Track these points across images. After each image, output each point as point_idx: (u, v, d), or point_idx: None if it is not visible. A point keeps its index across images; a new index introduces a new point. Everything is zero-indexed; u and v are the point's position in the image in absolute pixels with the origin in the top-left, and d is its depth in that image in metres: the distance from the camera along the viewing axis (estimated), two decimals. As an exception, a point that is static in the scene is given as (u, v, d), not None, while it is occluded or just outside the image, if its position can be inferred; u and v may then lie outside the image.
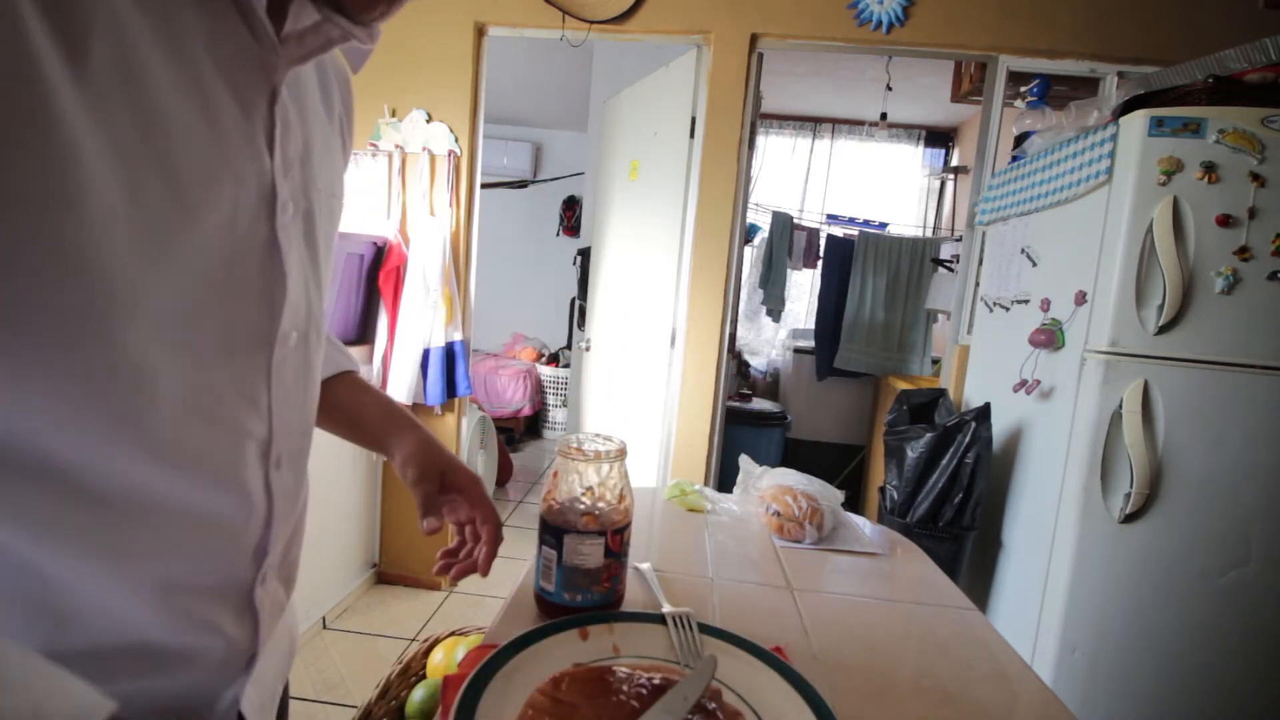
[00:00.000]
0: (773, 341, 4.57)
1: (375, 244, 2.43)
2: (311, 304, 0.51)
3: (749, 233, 3.96)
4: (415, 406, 2.50)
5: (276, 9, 0.43)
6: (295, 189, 0.47)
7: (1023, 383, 1.80)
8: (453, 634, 1.22)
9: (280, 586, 0.54)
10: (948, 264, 3.36)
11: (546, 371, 5.03)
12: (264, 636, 0.51)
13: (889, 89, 3.68)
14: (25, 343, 0.34)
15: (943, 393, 2.26)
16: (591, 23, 2.33)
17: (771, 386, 4.22)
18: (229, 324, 0.43)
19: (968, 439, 1.85)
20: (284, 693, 0.65)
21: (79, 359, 0.35)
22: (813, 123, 4.59)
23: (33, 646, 0.37)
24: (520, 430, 4.78)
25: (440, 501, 0.69)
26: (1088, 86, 2.28)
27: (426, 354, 2.45)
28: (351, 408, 0.72)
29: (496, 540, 0.69)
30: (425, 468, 0.68)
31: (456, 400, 2.55)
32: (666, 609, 0.71)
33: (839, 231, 4.22)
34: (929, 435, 1.91)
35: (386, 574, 2.66)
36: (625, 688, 0.56)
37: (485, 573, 0.68)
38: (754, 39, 2.31)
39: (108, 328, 0.35)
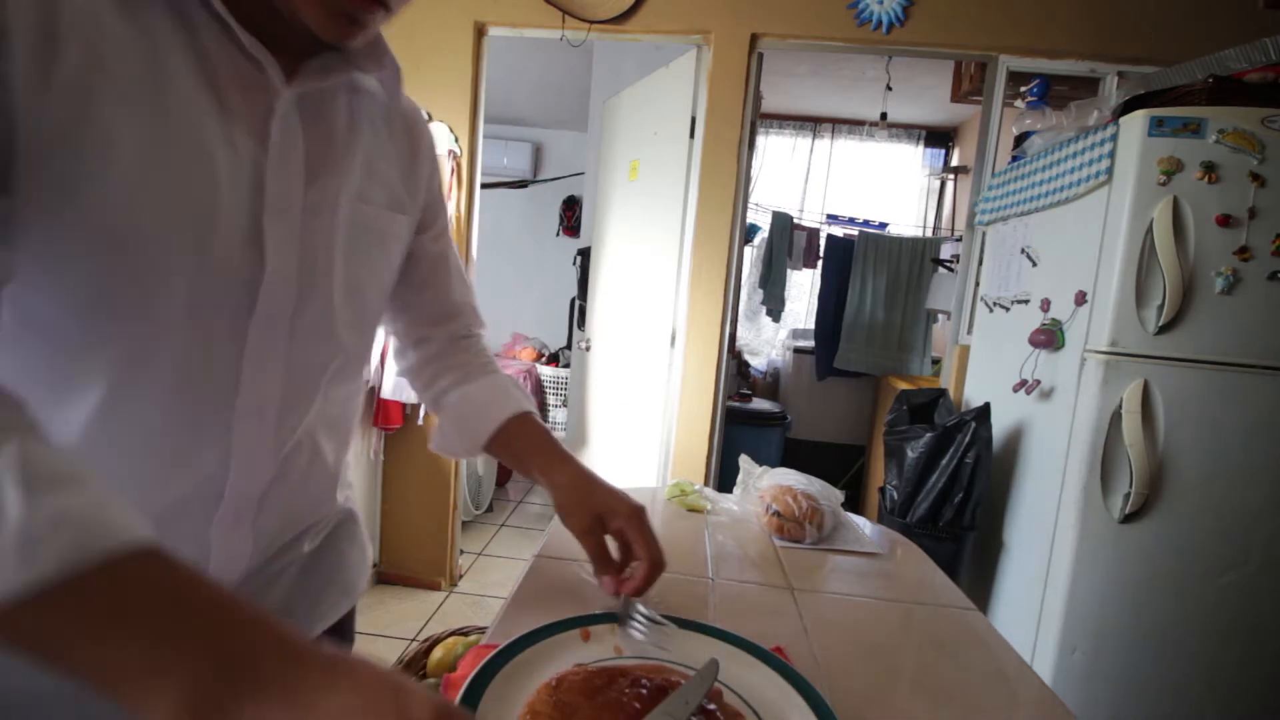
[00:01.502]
0: (773, 341, 4.57)
1: (375, 244, 2.42)
2: (309, 294, 0.56)
3: (749, 233, 3.96)
4: (415, 407, 2.50)
5: (297, 50, 0.53)
6: (291, 189, 0.53)
7: (1023, 383, 1.80)
8: (453, 634, 1.22)
9: (250, 536, 0.58)
10: (948, 264, 3.36)
11: (546, 371, 5.02)
12: (217, 572, 0.55)
13: (889, 89, 3.68)
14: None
15: (943, 393, 2.26)
16: (591, 23, 2.33)
17: (771, 386, 4.22)
18: (195, 294, 0.49)
19: (968, 439, 1.85)
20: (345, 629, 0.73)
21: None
22: (813, 123, 4.59)
23: None
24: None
25: (610, 557, 0.71)
26: (1088, 86, 2.28)
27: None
28: (516, 445, 0.78)
29: (650, 578, 0.69)
30: (582, 516, 0.71)
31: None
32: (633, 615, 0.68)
33: (839, 231, 4.22)
34: (929, 435, 1.91)
35: (386, 574, 2.66)
36: (626, 689, 0.56)
37: (626, 593, 0.70)
38: (754, 39, 2.31)
39: (130, 282, 0.46)
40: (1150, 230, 1.48)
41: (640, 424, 2.68)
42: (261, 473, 0.57)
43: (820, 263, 3.97)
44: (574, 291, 4.38)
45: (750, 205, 3.71)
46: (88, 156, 0.42)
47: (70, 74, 0.41)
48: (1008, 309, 2.01)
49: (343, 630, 0.75)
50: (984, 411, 1.87)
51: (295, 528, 0.65)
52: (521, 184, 5.42)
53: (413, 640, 2.26)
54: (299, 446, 0.60)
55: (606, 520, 0.70)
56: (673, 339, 2.51)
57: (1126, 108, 1.61)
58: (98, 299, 0.45)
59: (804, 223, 4.31)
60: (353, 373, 0.66)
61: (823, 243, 4.06)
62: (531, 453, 0.77)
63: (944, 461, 1.89)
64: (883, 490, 2.09)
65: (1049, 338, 1.70)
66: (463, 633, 1.23)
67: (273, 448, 0.57)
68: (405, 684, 0.34)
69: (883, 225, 4.36)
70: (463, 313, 0.83)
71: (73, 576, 0.30)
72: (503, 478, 3.69)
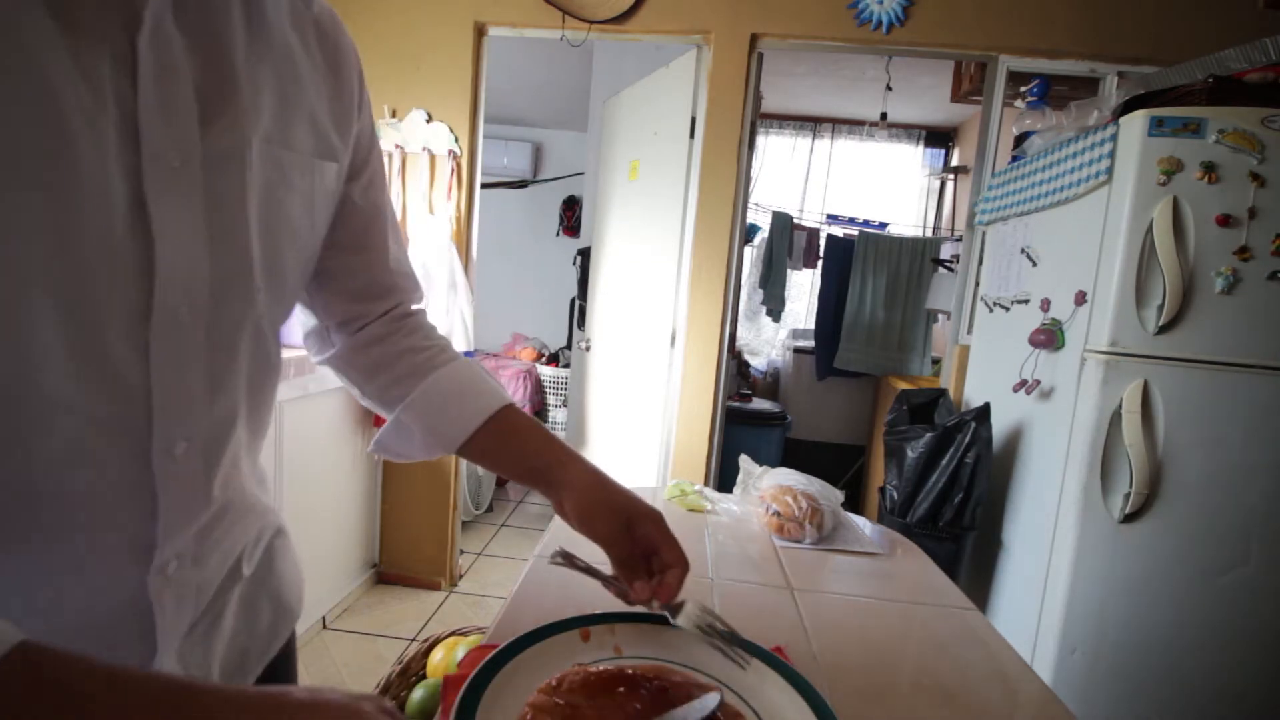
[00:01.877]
0: (773, 341, 4.57)
1: (375, 244, 2.42)
2: (219, 272, 0.43)
3: (749, 233, 3.96)
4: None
5: None
6: (183, 135, 0.39)
7: (1023, 383, 1.80)
8: (453, 634, 1.22)
9: (194, 569, 0.49)
10: (948, 264, 3.36)
11: (546, 371, 5.02)
12: (166, 628, 0.46)
13: (889, 89, 3.68)
14: None
15: (943, 393, 2.26)
16: (591, 23, 2.33)
17: (771, 386, 4.22)
18: (76, 295, 0.36)
19: (968, 439, 1.85)
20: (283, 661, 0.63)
21: None
22: (813, 123, 4.59)
23: None
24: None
25: (639, 563, 0.63)
26: (1088, 86, 2.28)
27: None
28: (507, 444, 0.66)
29: (682, 581, 0.63)
30: (607, 520, 0.63)
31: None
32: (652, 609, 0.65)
33: (839, 231, 4.22)
34: (929, 435, 1.91)
35: (386, 574, 2.66)
36: (627, 689, 0.55)
37: (663, 600, 0.63)
38: (754, 39, 2.31)
39: None
40: (1150, 230, 1.48)
41: (640, 424, 2.68)
42: (195, 508, 0.47)
43: (820, 263, 3.97)
44: (574, 291, 4.38)
45: (750, 205, 3.71)
46: None
47: None
48: (1008, 309, 2.01)
49: (288, 658, 0.65)
50: (984, 411, 1.87)
51: (234, 553, 0.55)
52: (521, 184, 5.42)
53: (412, 640, 2.26)
54: (234, 464, 0.51)
55: (634, 524, 0.63)
56: (673, 339, 2.51)
57: (1126, 108, 1.61)
58: None
59: (804, 223, 4.31)
60: (275, 368, 0.54)
61: (823, 243, 4.06)
62: (530, 451, 0.66)
63: (944, 461, 1.89)
64: (883, 490, 2.09)
65: (1049, 338, 1.70)
66: (463, 633, 1.23)
67: (203, 477, 0.47)
68: (356, 707, 0.34)
69: (883, 225, 4.36)
70: (400, 285, 0.67)
71: None
72: (502, 478, 3.69)
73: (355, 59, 0.56)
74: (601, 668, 0.59)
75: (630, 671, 0.58)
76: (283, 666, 0.64)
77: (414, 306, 0.70)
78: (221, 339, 0.45)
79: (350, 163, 0.57)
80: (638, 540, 0.63)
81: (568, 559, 0.68)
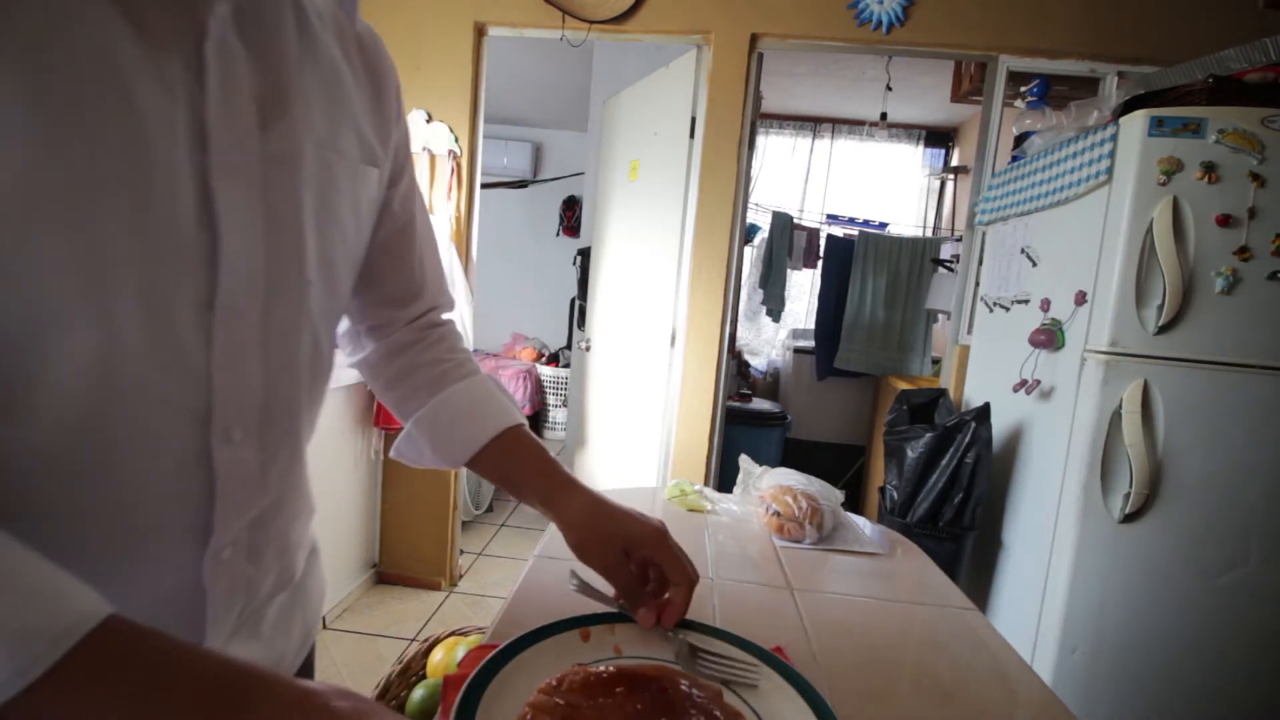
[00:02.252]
0: (773, 341, 4.57)
1: (375, 244, 2.43)
2: (277, 268, 0.45)
3: (749, 233, 3.96)
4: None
5: None
6: (246, 136, 0.42)
7: (1023, 383, 1.80)
8: (453, 634, 1.22)
9: (247, 562, 0.51)
10: (948, 264, 3.36)
11: (546, 371, 5.02)
12: (217, 615, 0.48)
13: (889, 89, 3.68)
14: None
15: (943, 393, 2.26)
16: (591, 23, 2.33)
17: (771, 386, 4.22)
18: (151, 284, 0.38)
19: (968, 439, 1.85)
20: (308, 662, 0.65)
21: None
22: (813, 123, 4.59)
23: None
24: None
25: (641, 589, 0.65)
26: (1088, 86, 2.28)
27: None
28: (509, 466, 0.68)
29: (689, 599, 0.64)
30: (606, 551, 0.64)
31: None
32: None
33: (839, 231, 4.22)
34: (929, 435, 1.92)
35: (386, 574, 2.66)
36: (627, 689, 0.56)
37: (668, 624, 0.64)
38: (754, 39, 2.31)
39: None
40: (1150, 230, 1.48)
41: (640, 424, 2.68)
42: (250, 496, 0.49)
43: (820, 263, 3.97)
44: (574, 291, 4.38)
45: (750, 205, 3.71)
46: None
47: None
48: (1008, 309, 2.01)
49: (308, 668, 0.67)
50: (984, 411, 1.87)
51: (287, 551, 0.58)
52: (521, 184, 5.42)
53: (413, 640, 2.26)
54: (291, 456, 0.53)
55: (632, 551, 0.64)
56: (673, 339, 2.51)
57: (1126, 108, 1.61)
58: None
59: (804, 223, 4.31)
60: (329, 365, 0.57)
61: (823, 243, 4.06)
62: (528, 477, 0.68)
63: (944, 461, 1.89)
64: (883, 490, 2.09)
65: (1049, 338, 1.70)
66: (463, 633, 1.23)
67: (258, 465, 0.48)
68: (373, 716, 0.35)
69: (883, 225, 4.36)
70: (429, 291, 0.70)
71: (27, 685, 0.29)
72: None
73: (394, 74, 0.59)
74: (602, 668, 0.59)
75: (631, 672, 0.58)
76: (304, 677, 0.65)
77: (444, 316, 0.73)
78: (277, 330, 0.47)
79: (390, 171, 0.59)
80: (639, 565, 0.65)
81: (584, 587, 0.68)
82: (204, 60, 0.39)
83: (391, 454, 0.72)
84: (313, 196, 0.48)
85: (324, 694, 0.35)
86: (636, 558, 0.65)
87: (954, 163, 4.45)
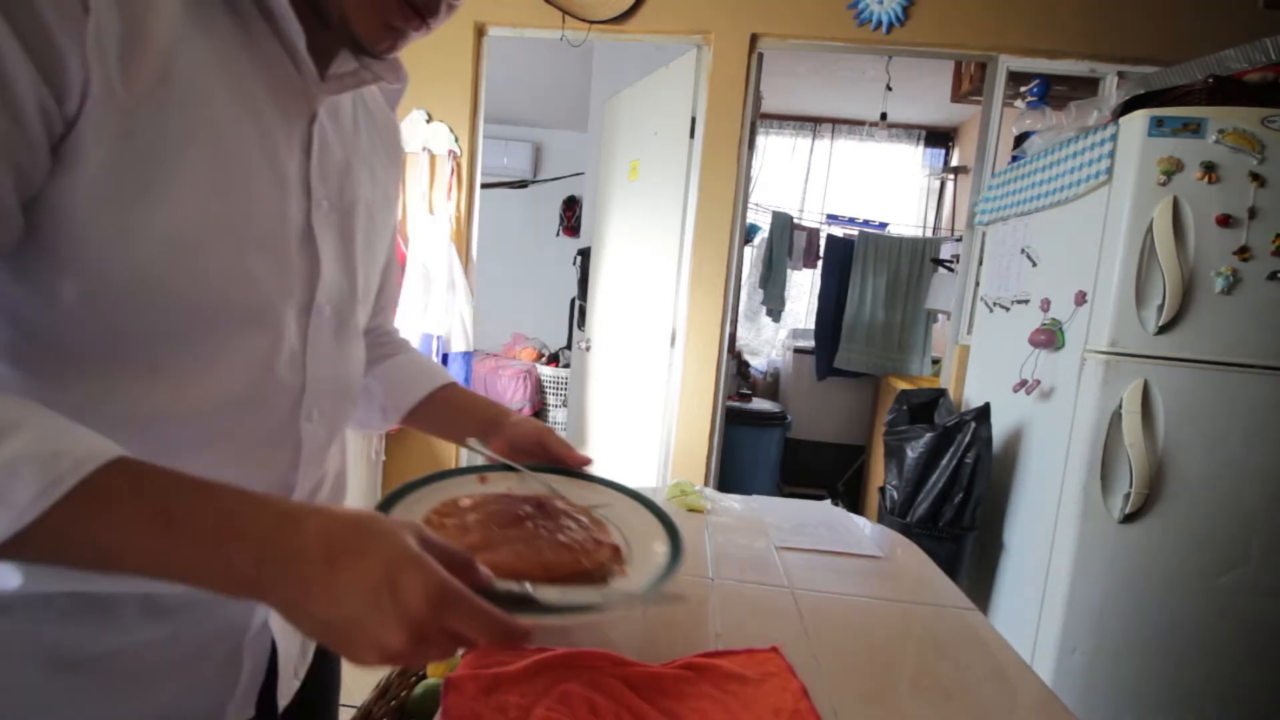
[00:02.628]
0: (773, 341, 4.57)
1: (375, 244, 2.43)
2: (344, 286, 0.59)
3: (749, 233, 3.96)
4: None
5: (323, 54, 0.53)
6: (331, 191, 0.56)
7: (1023, 383, 1.80)
8: (453, 634, 1.22)
9: None
10: (948, 264, 3.36)
11: (546, 371, 5.02)
12: None
13: (889, 89, 3.68)
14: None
15: (943, 393, 2.26)
16: (591, 23, 2.33)
17: (771, 386, 4.22)
18: (272, 291, 0.51)
19: (968, 439, 1.85)
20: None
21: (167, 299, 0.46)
22: (813, 123, 4.59)
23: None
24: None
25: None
26: (1088, 86, 2.28)
27: (446, 359, 2.48)
28: (455, 405, 0.82)
29: (579, 457, 0.79)
30: (533, 451, 0.77)
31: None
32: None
33: (839, 231, 4.22)
34: (929, 435, 1.91)
35: (386, 574, 2.66)
36: (511, 501, 0.64)
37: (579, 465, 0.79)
38: (754, 39, 2.31)
39: (192, 278, 0.46)
40: (1150, 230, 1.48)
41: (640, 424, 2.68)
42: (315, 467, 0.59)
43: (820, 263, 3.97)
44: (574, 291, 4.38)
45: (750, 205, 3.71)
46: (164, 163, 0.42)
47: (157, 74, 0.41)
48: (1008, 309, 2.01)
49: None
50: (984, 411, 1.87)
51: None
52: (521, 184, 5.42)
53: (413, 640, 2.25)
54: (340, 438, 0.65)
55: (546, 446, 0.79)
56: (673, 339, 2.51)
57: (1126, 108, 1.61)
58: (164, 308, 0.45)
59: (804, 223, 4.31)
60: (363, 370, 0.69)
61: (823, 243, 4.06)
62: (480, 408, 0.81)
63: (944, 461, 1.89)
64: (883, 490, 2.09)
65: (1049, 338, 1.70)
66: (463, 633, 1.22)
67: (324, 442, 0.59)
68: (401, 568, 0.39)
69: (883, 225, 4.36)
70: (386, 309, 0.84)
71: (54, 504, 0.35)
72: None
73: (403, 153, 0.77)
74: (493, 492, 0.68)
75: (518, 495, 0.67)
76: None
77: (394, 327, 0.88)
78: (344, 336, 0.61)
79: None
80: (552, 456, 0.79)
81: (483, 454, 0.78)
82: (311, 137, 0.54)
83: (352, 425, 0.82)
84: (363, 238, 0.62)
85: (302, 513, 0.40)
86: (552, 452, 0.79)
87: (954, 163, 4.45)
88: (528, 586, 0.47)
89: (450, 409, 0.81)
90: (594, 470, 0.80)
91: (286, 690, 0.59)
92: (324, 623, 0.38)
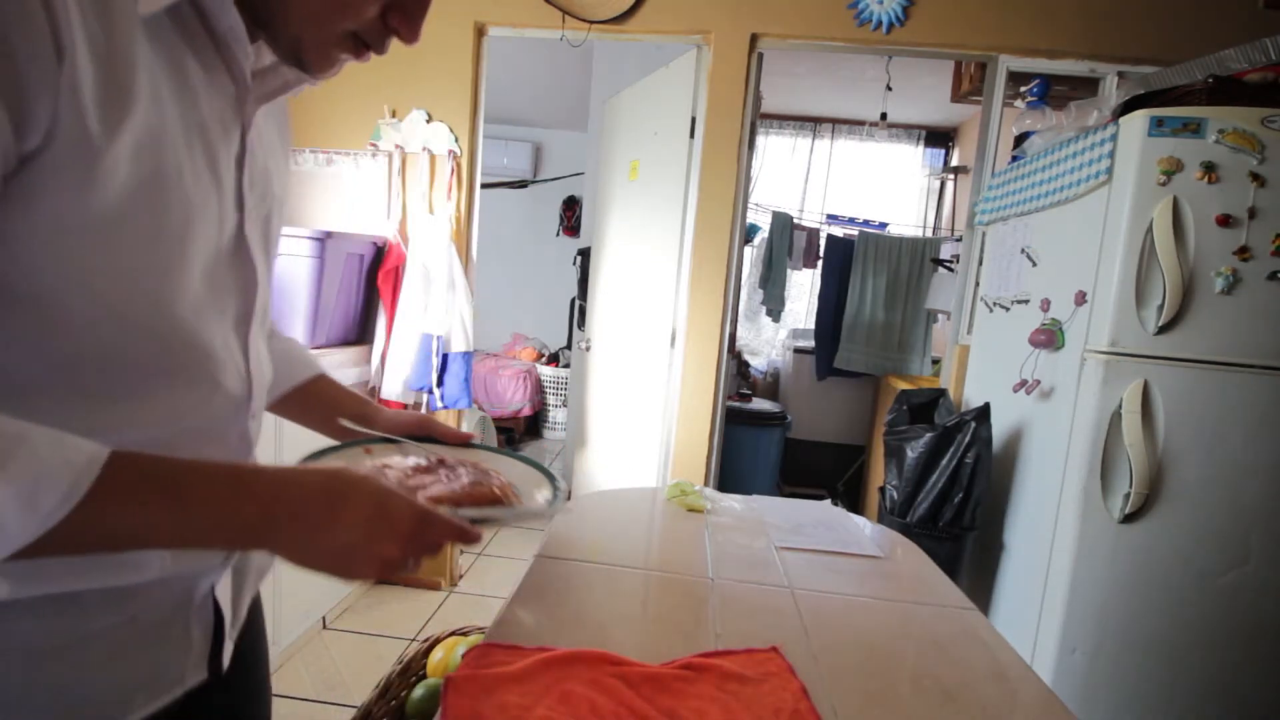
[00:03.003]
0: (773, 341, 4.57)
1: (375, 244, 2.43)
2: (268, 289, 0.61)
3: (749, 233, 3.96)
4: (414, 408, 2.49)
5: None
6: (257, 198, 0.57)
7: (1023, 383, 1.80)
8: (453, 634, 1.22)
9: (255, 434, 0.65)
10: (948, 264, 3.36)
11: (546, 371, 5.02)
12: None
13: (889, 89, 3.67)
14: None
15: (943, 393, 2.26)
16: (591, 23, 2.33)
17: (771, 386, 4.22)
18: (215, 310, 0.53)
19: (968, 439, 1.85)
20: (257, 601, 0.75)
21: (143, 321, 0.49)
22: (813, 123, 4.59)
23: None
24: (520, 431, 4.78)
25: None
26: (1088, 86, 2.28)
27: (446, 359, 2.47)
28: (328, 396, 0.83)
29: (457, 434, 0.82)
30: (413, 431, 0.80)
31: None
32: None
33: (839, 231, 4.22)
34: (929, 435, 1.91)
35: (386, 574, 2.66)
36: (417, 463, 0.69)
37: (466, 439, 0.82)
38: (754, 39, 2.31)
39: (166, 303, 0.49)
40: (1150, 230, 1.48)
41: (640, 424, 2.68)
42: (259, 391, 0.63)
43: (820, 263, 3.97)
44: (574, 291, 4.38)
45: (750, 205, 3.71)
46: (124, 200, 0.43)
47: (134, 116, 0.42)
48: (1008, 309, 2.01)
49: None
50: (984, 411, 1.87)
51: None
52: (521, 184, 5.43)
53: (413, 640, 2.26)
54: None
55: (428, 428, 0.81)
56: (673, 339, 2.51)
57: (1126, 108, 1.61)
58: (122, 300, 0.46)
59: (804, 223, 4.31)
60: None
61: (823, 243, 4.06)
62: (347, 401, 0.82)
63: (944, 461, 1.88)
64: (883, 490, 2.09)
65: (1049, 338, 1.70)
66: (463, 633, 1.23)
67: (255, 435, 0.64)
68: (388, 500, 0.49)
69: (883, 225, 4.36)
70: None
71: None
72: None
73: (290, 129, 0.75)
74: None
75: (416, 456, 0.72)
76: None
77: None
78: (265, 332, 0.64)
79: None
80: (436, 435, 0.81)
81: (360, 431, 0.81)
82: (246, 146, 0.54)
83: None
84: (276, 233, 0.63)
85: (295, 473, 0.48)
86: (437, 431, 0.82)
87: (954, 163, 4.45)
88: (459, 510, 0.58)
89: (322, 401, 0.82)
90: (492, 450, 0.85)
91: (228, 650, 0.64)
92: (331, 552, 0.48)
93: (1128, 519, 1.54)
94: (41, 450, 0.38)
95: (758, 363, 4.35)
